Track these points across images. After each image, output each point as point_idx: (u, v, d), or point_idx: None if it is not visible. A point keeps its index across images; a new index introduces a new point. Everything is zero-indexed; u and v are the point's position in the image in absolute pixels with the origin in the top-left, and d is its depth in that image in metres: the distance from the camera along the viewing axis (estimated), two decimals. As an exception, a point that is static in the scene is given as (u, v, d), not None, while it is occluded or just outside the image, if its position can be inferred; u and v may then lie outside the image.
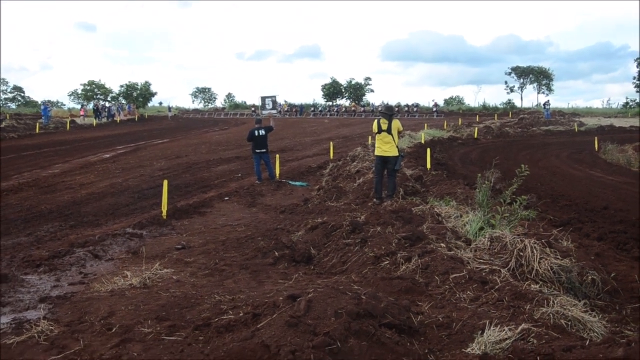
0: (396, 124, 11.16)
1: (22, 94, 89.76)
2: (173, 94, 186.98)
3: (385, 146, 11.07)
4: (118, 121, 54.43)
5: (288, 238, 8.05)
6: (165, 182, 11.26)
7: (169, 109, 73.24)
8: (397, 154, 11.03)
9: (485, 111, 66.63)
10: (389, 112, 11.45)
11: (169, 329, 4.70)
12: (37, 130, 38.36)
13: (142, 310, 5.22)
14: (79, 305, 5.70)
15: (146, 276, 6.53)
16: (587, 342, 3.87)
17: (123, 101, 75.86)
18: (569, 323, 4.41)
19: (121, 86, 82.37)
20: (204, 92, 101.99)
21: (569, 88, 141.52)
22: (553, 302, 4.73)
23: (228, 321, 4.54)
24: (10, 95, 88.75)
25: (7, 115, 46.60)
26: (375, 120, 11.41)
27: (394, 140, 11.08)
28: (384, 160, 11.08)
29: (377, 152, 11.22)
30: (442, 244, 6.69)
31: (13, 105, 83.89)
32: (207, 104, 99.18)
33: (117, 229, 9.77)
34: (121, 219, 11.00)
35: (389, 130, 11.06)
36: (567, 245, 6.88)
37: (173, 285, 6.23)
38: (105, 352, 4.30)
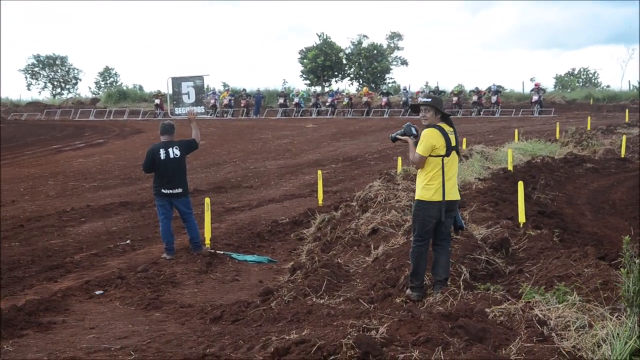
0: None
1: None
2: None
3: (451, 181, 6.02)
4: None
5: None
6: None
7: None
8: (459, 196, 6.29)
9: (644, 100, 36.36)
10: (439, 105, 6.05)
11: None
12: None
13: None
14: None
15: None
16: None
17: None
18: None
19: None
20: (52, 66, 52.96)
21: None
22: None
23: None
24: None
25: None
26: (436, 131, 5.92)
27: None
28: (448, 209, 6.01)
29: (439, 195, 5.95)
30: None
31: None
32: (61, 91, 54.17)
33: None
34: None
35: (458, 148, 6.21)
36: None
37: None
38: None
